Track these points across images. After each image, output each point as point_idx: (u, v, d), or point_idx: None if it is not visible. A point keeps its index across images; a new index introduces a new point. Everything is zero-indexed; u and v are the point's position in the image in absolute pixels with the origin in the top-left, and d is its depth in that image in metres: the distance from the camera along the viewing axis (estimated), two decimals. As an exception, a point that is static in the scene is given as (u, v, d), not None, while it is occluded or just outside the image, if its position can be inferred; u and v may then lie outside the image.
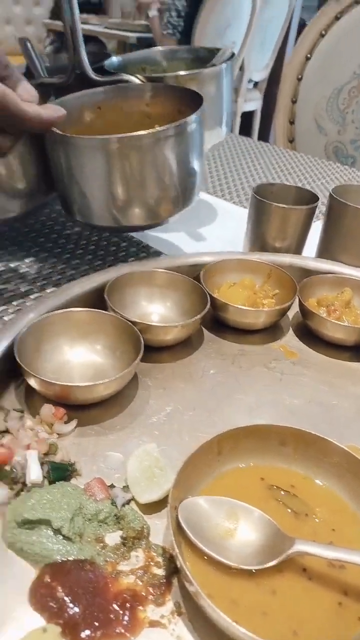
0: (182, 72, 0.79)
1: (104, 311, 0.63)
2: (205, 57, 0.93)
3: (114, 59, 0.90)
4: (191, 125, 0.65)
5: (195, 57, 0.96)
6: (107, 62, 0.86)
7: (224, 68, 0.82)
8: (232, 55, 0.86)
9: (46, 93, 0.79)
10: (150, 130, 0.62)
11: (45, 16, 4.12)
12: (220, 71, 0.81)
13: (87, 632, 0.36)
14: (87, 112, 0.76)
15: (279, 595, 0.38)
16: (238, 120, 3.70)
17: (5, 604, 0.38)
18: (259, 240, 0.79)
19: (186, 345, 0.66)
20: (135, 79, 0.74)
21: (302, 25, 3.95)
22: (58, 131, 0.64)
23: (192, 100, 0.70)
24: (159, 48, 0.96)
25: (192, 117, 0.65)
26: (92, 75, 0.68)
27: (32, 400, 0.56)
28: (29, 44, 0.75)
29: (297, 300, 0.67)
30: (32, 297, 0.73)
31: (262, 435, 0.47)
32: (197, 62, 0.95)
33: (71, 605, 0.37)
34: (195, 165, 0.69)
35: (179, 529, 0.40)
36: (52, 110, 0.60)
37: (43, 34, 4.05)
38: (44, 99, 0.81)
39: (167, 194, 0.67)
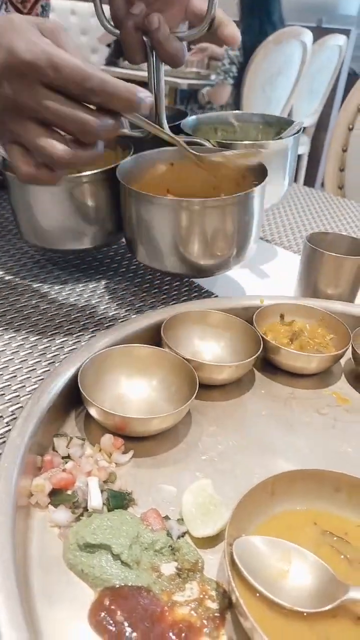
0: (249, 142, 0.88)
1: (160, 348, 0.66)
2: (273, 123, 1.02)
3: (190, 119, 0.98)
4: (253, 196, 0.72)
5: (265, 122, 1.04)
6: (183, 122, 0.94)
7: (291, 142, 0.90)
8: (300, 129, 0.93)
9: (126, 145, 0.86)
10: (216, 198, 0.71)
11: (101, 63, 4.36)
12: (287, 144, 0.89)
13: (145, 658, 0.37)
14: (160, 166, 0.83)
15: (333, 641, 0.38)
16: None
17: (67, 623, 0.40)
18: (311, 286, 0.81)
19: (238, 385, 0.68)
20: (207, 144, 0.82)
21: (351, 75, 4.06)
22: (130, 187, 0.72)
23: (257, 169, 0.77)
24: (233, 112, 1.05)
25: (256, 190, 0.72)
26: (171, 136, 0.75)
27: (90, 428, 0.59)
28: None
29: (349, 347, 0.69)
30: (90, 330, 0.78)
31: (317, 480, 0.48)
32: (267, 127, 1.04)
33: (129, 629, 0.39)
34: (252, 229, 0.76)
35: (233, 566, 0.42)
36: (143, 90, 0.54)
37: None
38: (124, 150, 0.87)
39: (223, 253, 0.74)
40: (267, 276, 0.99)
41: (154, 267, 0.78)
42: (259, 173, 0.76)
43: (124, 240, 0.84)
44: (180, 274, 0.79)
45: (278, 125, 1.01)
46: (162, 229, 0.73)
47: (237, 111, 1.07)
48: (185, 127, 0.93)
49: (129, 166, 0.80)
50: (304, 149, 4.01)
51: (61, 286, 0.89)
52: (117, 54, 4.25)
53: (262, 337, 0.68)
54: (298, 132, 0.91)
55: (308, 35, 3.20)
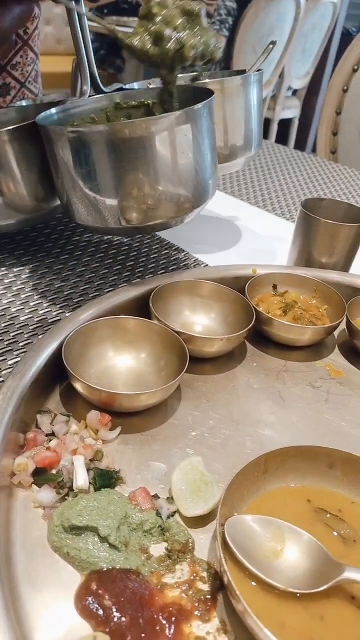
0: (204, 80, 0.80)
1: (149, 320, 0.63)
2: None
3: (135, 85, 0.91)
4: (199, 114, 0.60)
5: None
6: (127, 87, 0.88)
7: (252, 78, 0.81)
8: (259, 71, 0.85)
9: None
10: (151, 118, 0.59)
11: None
12: (248, 80, 0.80)
13: (134, 643, 0.36)
14: (94, 115, 0.77)
15: (328, 622, 0.37)
16: (275, 127, 3.68)
17: (52, 607, 0.39)
18: (304, 255, 0.78)
19: (229, 358, 0.66)
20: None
21: (345, 35, 3.92)
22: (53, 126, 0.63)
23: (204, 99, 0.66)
24: (187, 75, 0.93)
25: (202, 105, 0.60)
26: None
27: (75, 404, 0.57)
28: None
29: (344, 319, 0.66)
30: (74, 300, 0.75)
31: (310, 456, 0.47)
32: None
33: (118, 614, 0.38)
34: (206, 161, 0.64)
35: (225, 546, 0.40)
36: None
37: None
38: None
39: (172, 192, 0.63)
40: (259, 244, 0.95)
41: (95, 227, 0.67)
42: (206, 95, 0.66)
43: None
44: (120, 229, 0.66)
45: None
46: (97, 167, 0.60)
47: (191, 74, 0.95)
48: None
49: (52, 117, 0.71)
50: (294, 112, 3.90)
51: (44, 254, 0.85)
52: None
53: (254, 308, 0.66)
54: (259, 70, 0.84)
55: (301, -9, 3.07)
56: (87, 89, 0.76)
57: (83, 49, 0.75)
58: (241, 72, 0.89)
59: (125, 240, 0.92)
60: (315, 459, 0.47)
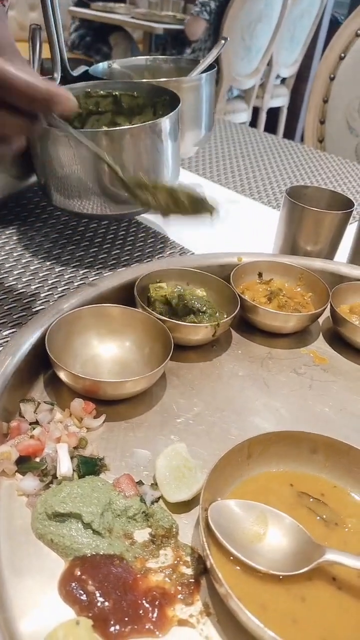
0: (164, 79, 0.86)
1: (133, 308, 0.63)
2: (188, 69, 0.99)
3: (100, 65, 0.95)
4: (165, 125, 0.70)
5: (178, 67, 1.02)
6: (92, 68, 0.91)
7: (204, 78, 0.89)
8: (213, 67, 0.93)
9: None
10: (128, 126, 0.70)
11: (69, 4, 4.13)
12: (200, 81, 0.89)
13: (117, 626, 0.36)
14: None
15: (309, 603, 0.38)
16: (264, 116, 3.66)
17: (36, 593, 0.39)
18: (289, 242, 0.78)
19: (215, 345, 0.66)
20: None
21: (333, 22, 3.90)
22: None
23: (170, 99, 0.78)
24: (146, 57, 1.03)
25: (166, 119, 0.70)
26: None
27: (59, 392, 0.57)
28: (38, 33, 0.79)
29: (328, 306, 0.67)
30: (59, 289, 0.74)
31: (293, 442, 0.47)
32: (180, 71, 1.02)
33: (101, 599, 0.38)
34: (168, 161, 0.73)
35: (208, 531, 0.41)
36: (63, 91, 0.48)
37: (68, 21, 4.06)
38: None
39: None
40: (244, 232, 0.95)
41: (71, 210, 0.75)
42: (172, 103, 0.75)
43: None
44: (93, 215, 0.75)
45: (191, 69, 0.97)
46: (74, 163, 0.68)
47: (151, 56, 1.05)
48: (94, 73, 0.90)
49: None
50: (282, 100, 3.88)
51: (27, 242, 0.84)
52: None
53: (239, 296, 0.66)
54: (210, 70, 0.91)
55: (289, -23, 3.04)
56: (58, 76, 0.77)
57: (55, 34, 0.75)
58: (195, 62, 0.98)
59: (111, 228, 0.91)
60: (298, 445, 0.47)
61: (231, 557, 0.40)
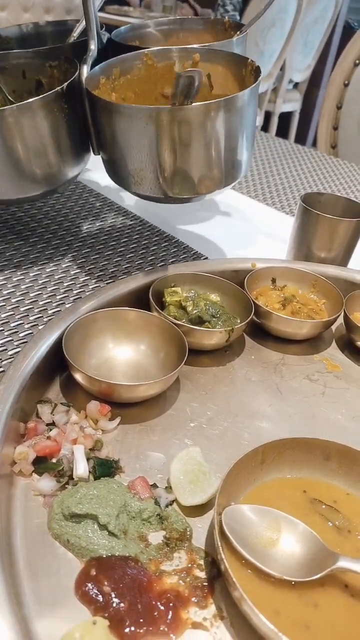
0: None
1: (149, 312, 0.64)
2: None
3: (122, 29, 0.86)
4: (244, 99, 0.63)
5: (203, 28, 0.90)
6: (115, 32, 0.84)
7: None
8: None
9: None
10: (202, 103, 0.60)
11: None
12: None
13: (132, 628, 0.37)
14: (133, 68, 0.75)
15: (321, 610, 0.38)
16: (276, 120, 3.66)
17: (53, 593, 0.39)
18: (304, 249, 0.79)
19: (228, 351, 0.66)
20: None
21: (347, 28, 3.90)
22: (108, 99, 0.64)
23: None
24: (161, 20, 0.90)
25: (247, 92, 0.62)
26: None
27: (75, 394, 0.57)
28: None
29: (342, 313, 0.67)
30: (74, 291, 0.75)
31: (307, 448, 0.47)
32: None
33: (117, 600, 0.38)
34: (244, 143, 0.67)
35: (222, 535, 0.41)
36: None
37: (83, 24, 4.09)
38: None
39: (211, 169, 0.66)
40: (258, 238, 0.96)
41: (135, 192, 0.70)
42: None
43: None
44: (161, 198, 0.69)
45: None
46: (143, 141, 0.62)
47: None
48: (116, 38, 0.82)
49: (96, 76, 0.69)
50: (295, 105, 3.88)
51: (44, 245, 0.85)
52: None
53: (253, 301, 0.66)
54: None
55: (304, -17, 3.04)
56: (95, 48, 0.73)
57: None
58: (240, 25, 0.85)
59: (125, 231, 0.92)
60: (312, 451, 0.48)
61: (244, 562, 0.40)
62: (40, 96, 0.66)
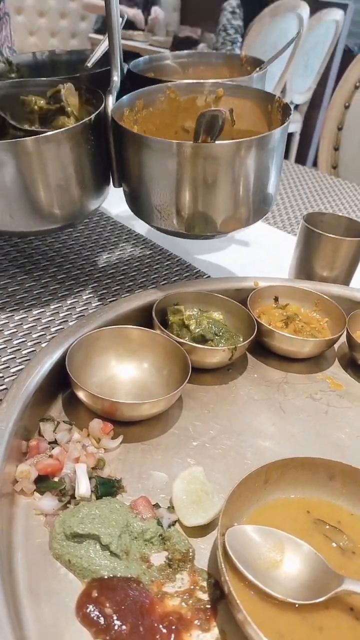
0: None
1: (151, 330, 0.64)
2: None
3: (141, 60, 0.88)
4: (275, 139, 0.62)
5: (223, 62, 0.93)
6: (133, 62, 0.84)
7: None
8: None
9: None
10: (232, 141, 0.60)
11: (89, 31, 4.27)
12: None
13: (134, 651, 0.36)
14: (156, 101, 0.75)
15: (326, 633, 0.37)
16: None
17: (54, 614, 0.39)
18: (306, 268, 0.79)
19: (231, 369, 0.66)
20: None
21: (347, 52, 3.98)
22: (136, 131, 0.64)
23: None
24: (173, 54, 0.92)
25: (278, 131, 0.62)
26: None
27: (77, 412, 0.57)
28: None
29: (344, 332, 0.67)
30: (77, 309, 0.75)
31: (311, 468, 0.47)
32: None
33: (118, 622, 0.38)
34: (272, 182, 0.67)
35: (226, 556, 0.41)
36: None
37: (89, 47, 4.20)
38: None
39: (239, 208, 0.66)
40: (260, 257, 0.96)
41: (156, 226, 0.69)
42: (279, 113, 0.67)
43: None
44: (184, 234, 0.68)
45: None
46: (169, 176, 0.61)
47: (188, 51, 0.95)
48: (135, 69, 0.83)
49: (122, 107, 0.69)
50: (295, 126, 3.94)
51: (47, 263, 0.86)
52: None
53: (255, 320, 0.66)
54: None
55: (305, 9, 3.11)
56: (118, 79, 0.72)
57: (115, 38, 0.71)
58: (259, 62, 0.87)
59: (128, 250, 0.93)
60: (315, 471, 0.47)
61: (247, 583, 0.40)
62: (70, 127, 0.64)
